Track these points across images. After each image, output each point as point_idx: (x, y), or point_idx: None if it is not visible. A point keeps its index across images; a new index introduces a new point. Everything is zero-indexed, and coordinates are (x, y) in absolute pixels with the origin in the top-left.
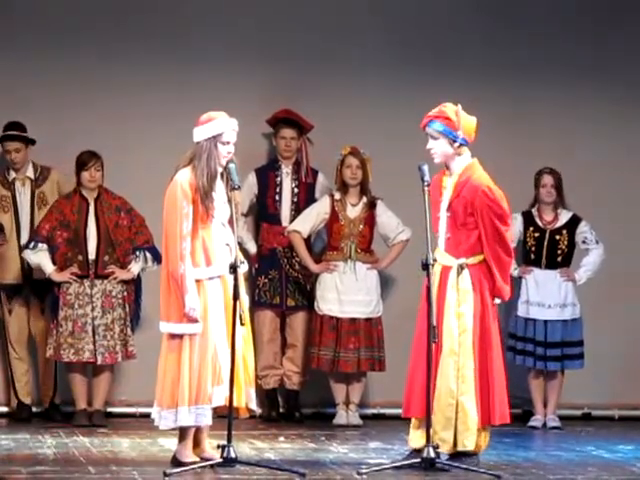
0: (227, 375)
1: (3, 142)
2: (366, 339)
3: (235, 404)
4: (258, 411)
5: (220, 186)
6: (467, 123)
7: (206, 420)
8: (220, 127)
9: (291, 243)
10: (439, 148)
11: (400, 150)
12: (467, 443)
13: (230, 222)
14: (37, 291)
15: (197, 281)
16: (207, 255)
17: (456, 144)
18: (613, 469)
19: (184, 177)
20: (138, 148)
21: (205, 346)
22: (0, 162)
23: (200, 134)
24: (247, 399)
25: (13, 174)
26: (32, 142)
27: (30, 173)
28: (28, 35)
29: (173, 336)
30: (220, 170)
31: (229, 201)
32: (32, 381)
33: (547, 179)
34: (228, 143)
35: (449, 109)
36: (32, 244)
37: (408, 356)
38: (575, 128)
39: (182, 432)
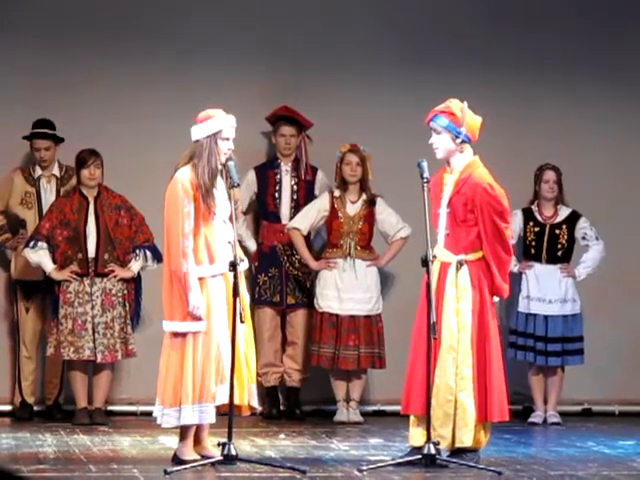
0: (229, 373)
1: (32, 139)
2: (366, 336)
3: (237, 402)
4: (259, 409)
5: (221, 183)
6: (472, 121)
7: (210, 418)
8: (219, 124)
9: (291, 240)
10: (441, 143)
11: (400, 147)
12: (465, 440)
13: (230, 220)
14: (53, 289)
15: (200, 279)
16: (210, 253)
17: (458, 140)
18: (614, 464)
19: (185, 175)
20: (138, 147)
21: (209, 344)
22: (25, 158)
23: (199, 132)
24: (249, 397)
25: (39, 171)
26: (61, 140)
27: (56, 171)
28: (27, 37)
29: (176, 334)
30: (220, 167)
31: (229, 199)
32: (37, 380)
33: (550, 174)
34: (228, 139)
35: (455, 105)
36: (32, 243)
37: (408, 353)
38: (575, 127)
39: (183, 430)
